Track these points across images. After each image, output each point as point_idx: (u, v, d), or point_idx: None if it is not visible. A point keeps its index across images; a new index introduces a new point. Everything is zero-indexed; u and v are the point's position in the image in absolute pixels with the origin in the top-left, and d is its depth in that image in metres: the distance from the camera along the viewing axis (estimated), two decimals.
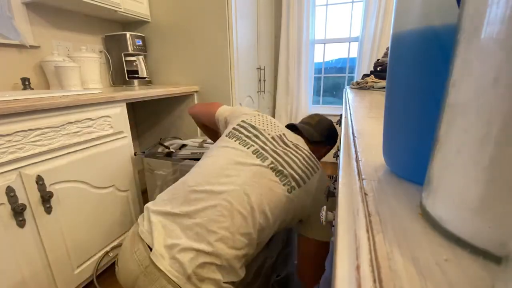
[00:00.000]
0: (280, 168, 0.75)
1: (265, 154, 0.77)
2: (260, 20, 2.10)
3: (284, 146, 0.81)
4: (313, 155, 0.84)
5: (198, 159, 1.10)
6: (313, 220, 0.79)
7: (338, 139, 1.00)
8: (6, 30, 1.25)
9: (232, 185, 0.69)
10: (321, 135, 0.97)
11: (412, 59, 0.25)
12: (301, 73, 2.45)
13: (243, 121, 0.88)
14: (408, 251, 0.17)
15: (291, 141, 0.84)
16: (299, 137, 0.91)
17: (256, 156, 0.76)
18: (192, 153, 1.29)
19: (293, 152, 0.80)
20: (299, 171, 0.76)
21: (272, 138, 0.82)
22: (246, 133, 0.83)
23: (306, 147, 0.86)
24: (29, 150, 0.87)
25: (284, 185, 0.73)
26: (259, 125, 0.86)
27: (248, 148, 0.78)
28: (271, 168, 0.74)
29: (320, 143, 0.98)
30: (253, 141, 0.81)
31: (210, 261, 0.60)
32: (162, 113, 1.93)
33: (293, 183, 0.74)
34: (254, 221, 0.66)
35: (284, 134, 0.86)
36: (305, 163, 0.79)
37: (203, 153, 1.23)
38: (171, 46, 1.83)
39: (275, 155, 0.77)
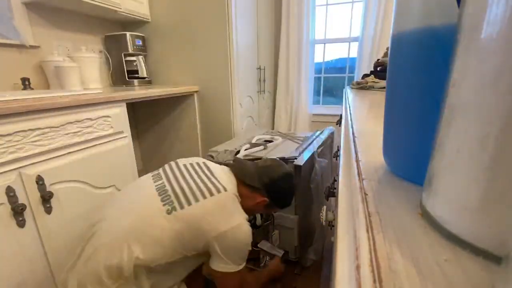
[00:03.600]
0: (167, 186, 0.79)
1: (162, 174, 0.86)
2: (260, 20, 2.09)
3: (188, 169, 0.86)
4: (218, 180, 0.81)
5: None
6: (213, 249, 0.75)
7: (338, 139, 0.97)
8: (6, 30, 1.25)
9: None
10: (256, 180, 0.88)
11: (412, 59, 0.25)
12: (301, 73, 2.44)
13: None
14: (408, 251, 0.17)
15: (207, 167, 0.88)
16: (228, 172, 0.89)
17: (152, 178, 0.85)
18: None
19: (195, 172, 0.84)
20: (186, 189, 0.77)
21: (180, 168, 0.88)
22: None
23: (224, 176, 0.85)
24: (29, 150, 0.87)
25: (164, 204, 0.74)
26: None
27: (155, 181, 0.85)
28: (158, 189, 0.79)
29: (256, 190, 0.88)
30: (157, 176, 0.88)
31: None
32: (162, 113, 1.92)
33: (175, 203, 0.74)
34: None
35: (203, 163, 0.90)
36: (200, 181, 0.79)
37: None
38: (171, 46, 1.83)
39: (170, 175, 0.84)
